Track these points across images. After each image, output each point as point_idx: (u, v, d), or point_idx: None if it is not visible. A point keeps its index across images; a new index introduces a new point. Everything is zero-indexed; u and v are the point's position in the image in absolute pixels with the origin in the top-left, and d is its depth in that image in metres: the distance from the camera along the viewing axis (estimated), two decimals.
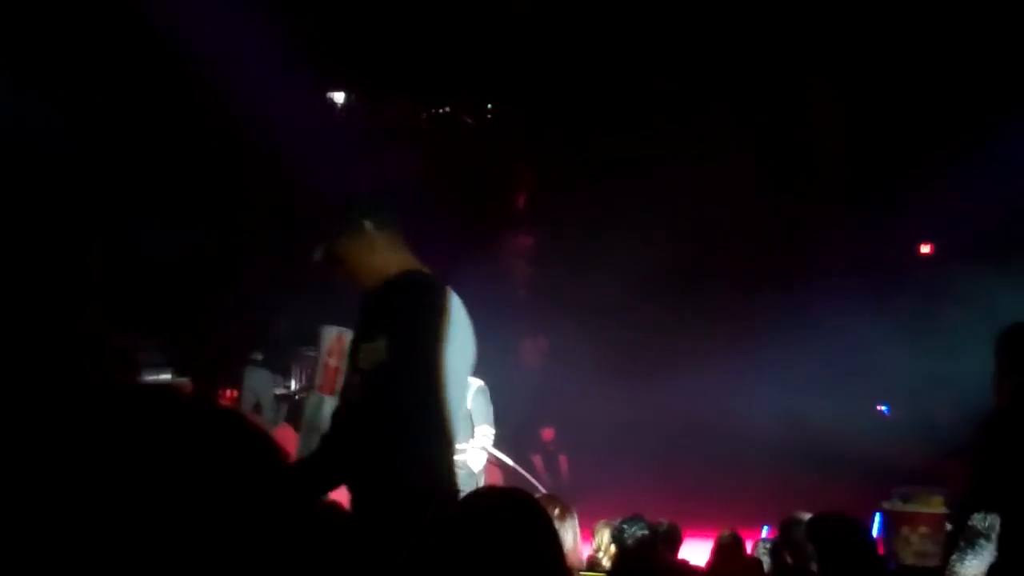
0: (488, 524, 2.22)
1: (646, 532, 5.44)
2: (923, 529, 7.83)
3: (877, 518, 9.14)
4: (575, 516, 5.01)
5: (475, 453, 7.80)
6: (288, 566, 0.90)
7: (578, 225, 12.00)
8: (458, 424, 6.43)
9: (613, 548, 5.66)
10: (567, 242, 12.09)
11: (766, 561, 6.47)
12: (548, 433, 11.44)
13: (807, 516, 5.41)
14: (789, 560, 5.22)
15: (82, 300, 11.45)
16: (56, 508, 0.80)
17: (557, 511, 4.76)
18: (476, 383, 7.98)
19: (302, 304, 11.75)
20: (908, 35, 11.42)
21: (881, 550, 5.99)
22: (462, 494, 7.60)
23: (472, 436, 7.77)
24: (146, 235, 11.26)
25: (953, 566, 2.78)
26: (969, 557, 2.78)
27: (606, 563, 6.30)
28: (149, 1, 10.16)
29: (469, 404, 7.96)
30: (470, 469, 7.63)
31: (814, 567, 4.99)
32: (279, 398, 11.01)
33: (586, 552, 6.65)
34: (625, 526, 5.48)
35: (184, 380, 10.00)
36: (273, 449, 0.98)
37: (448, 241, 11.41)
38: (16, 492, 0.80)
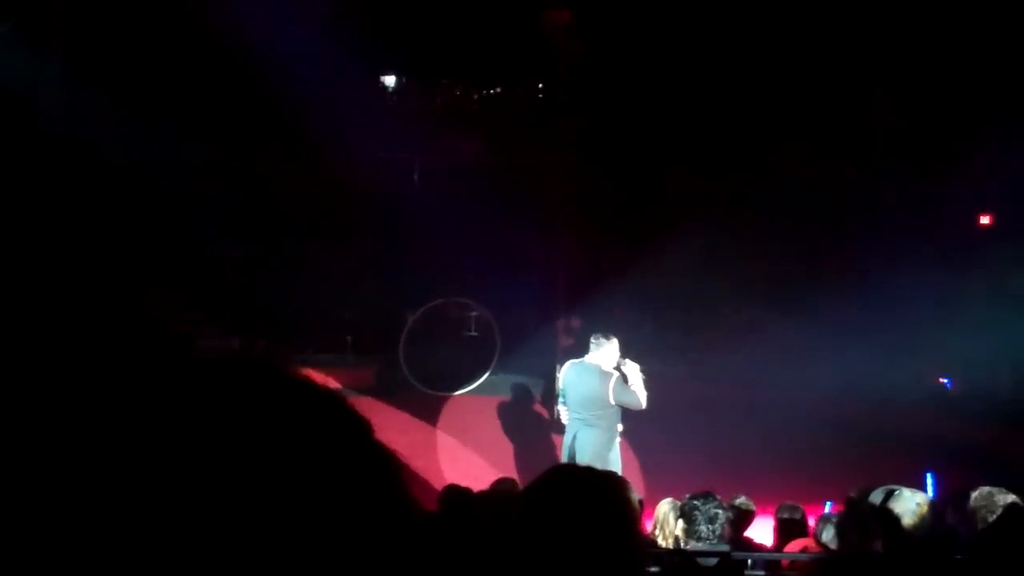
0: (568, 500, 2.25)
1: (721, 509, 5.42)
2: None
3: (929, 479, 9.07)
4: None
5: None
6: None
7: (632, 204, 11.98)
8: None
9: (680, 524, 5.65)
10: (621, 222, 12.08)
11: (830, 536, 6.44)
12: None
13: (871, 491, 5.39)
14: (855, 538, 5.20)
15: (144, 288, 11.65)
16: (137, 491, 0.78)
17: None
18: None
19: (366, 290, 11.94)
20: (969, 3, 11.27)
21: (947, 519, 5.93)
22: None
23: None
24: (207, 223, 11.43)
25: None
26: None
27: (661, 541, 6.30)
28: None
29: None
30: None
31: (879, 545, 4.98)
32: None
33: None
34: (698, 503, 5.44)
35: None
36: (365, 426, 0.93)
37: (501, 224, 11.47)
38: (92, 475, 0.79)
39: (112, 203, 11.18)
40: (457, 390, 11.53)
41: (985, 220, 12.49)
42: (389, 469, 0.93)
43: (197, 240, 11.60)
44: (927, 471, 9.54)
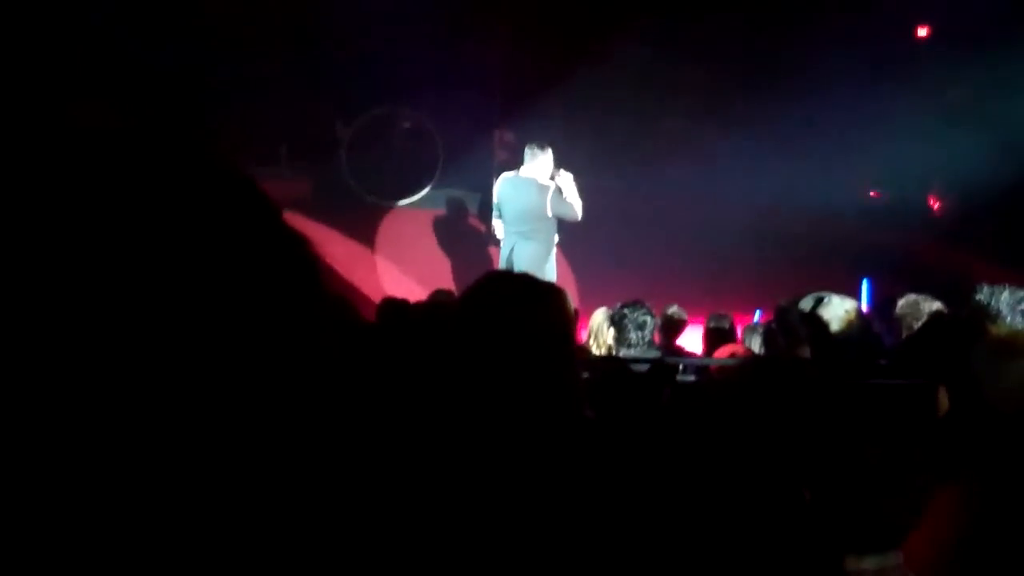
0: (504, 305, 2.24)
1: (650, 316, 5.52)
2: None
3: (865, 285, 9.34)
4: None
5: None
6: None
7: (569, 14, 11.68)
8: None
9: (611, 332, 5.76)
10: (559, 32, 11.80)
11: (757, 345, 6.62)
12: None
13: (802, 300, 5.50)
14: (782, 344, 5.34)
15: (64, 97, 11.27)
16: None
17: None
18: None
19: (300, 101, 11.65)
20: None
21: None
22: None
23: None
24: (130, 33, 11.02)
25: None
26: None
27: (596, 350, 6.43)
28: None
29: None
30: None
31: (807, 351, 5.12)
32: None
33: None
34: (627, 310, 5.54)
35: None
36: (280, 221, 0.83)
37: (437, 32, 11.18)
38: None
39: (34, 11, 10.70)
40: (401, 199, 11.39)
41: (922, 32, 12.40)
42: (304, 253, 0.85)
43: (120, 50, 11.18)
44: (863, 278, 9.81)
